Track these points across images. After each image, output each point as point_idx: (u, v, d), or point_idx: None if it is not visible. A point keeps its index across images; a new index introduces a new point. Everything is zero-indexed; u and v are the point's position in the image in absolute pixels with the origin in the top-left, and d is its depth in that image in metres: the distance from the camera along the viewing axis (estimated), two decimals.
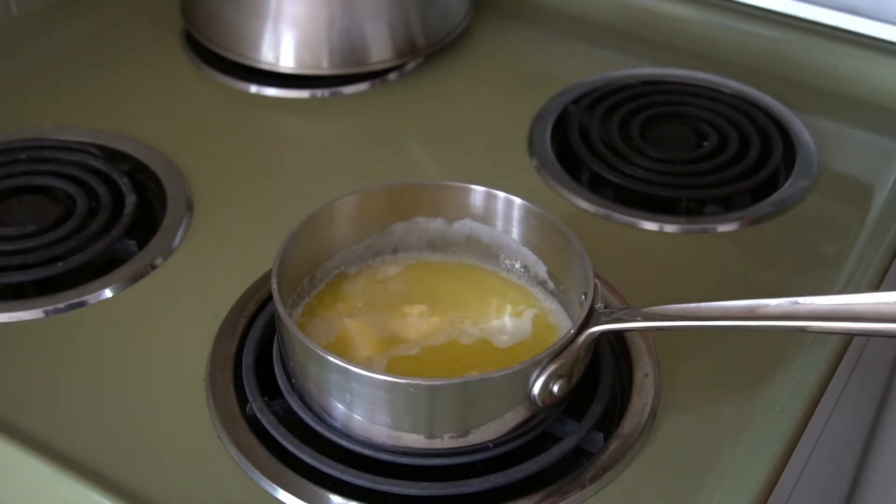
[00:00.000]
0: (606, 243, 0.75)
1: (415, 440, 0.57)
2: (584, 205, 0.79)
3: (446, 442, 0.57)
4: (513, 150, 0.85)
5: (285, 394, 0.61)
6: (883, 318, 0.52)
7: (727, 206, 0.81)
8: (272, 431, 0.60)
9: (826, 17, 0.96)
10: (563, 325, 0.65)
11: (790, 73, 0.94)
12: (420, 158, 0.86)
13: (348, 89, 0.92)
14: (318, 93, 0.92)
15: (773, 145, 0.85)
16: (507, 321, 0.65)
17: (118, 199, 0.78)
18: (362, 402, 0.57)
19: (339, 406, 0.58)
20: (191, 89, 0.93)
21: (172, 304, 0.70)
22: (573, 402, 0.62)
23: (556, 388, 0.57)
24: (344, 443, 0.59)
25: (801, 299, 0.55)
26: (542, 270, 0.67)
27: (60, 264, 0.72)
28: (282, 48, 0.91)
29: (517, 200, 0.66)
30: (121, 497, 0.58)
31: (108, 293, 0.71)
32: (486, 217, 0.68)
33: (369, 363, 0.62)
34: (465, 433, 0.57)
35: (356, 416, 0.57)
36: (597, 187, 0.81)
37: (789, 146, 0.86)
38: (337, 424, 0.59)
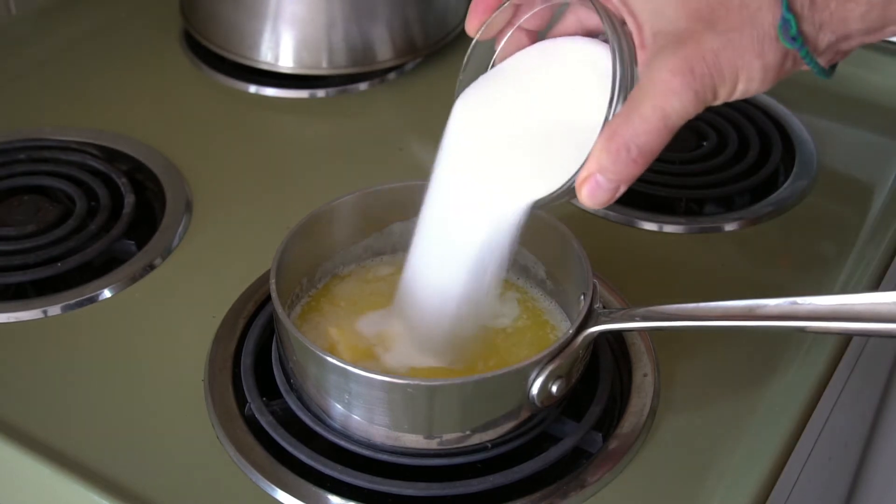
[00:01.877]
0: (606, 243, 0.75)
1: (414, 440, 0.57)
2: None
3: (445, 442, 0.57)
4: None
5: (284, 394, 0.61)
6: (882, 318, 0.52)
7: (727, 206, 0.81)
8: (271, 432, 0.60)
9: None
10: (561, 325, 0.65)
11: None
12: (419, 158, 0.86)
13: (347, 89, 0.92)
14: (318, 93, 0.92)
15: (772, 145, 0.85)
16: (505, 309, 0.65)
17: (117, 199, 0.78)
18: (361, 403, 0.57)
19: (338, 406, 0.58)
20: (190, 89, 0.93)
21: (171, 304, 0.70)
22: (572, 403, 0.62)
23: (554, 389, 0.57)
24: (343, 443, 0.59)
25: (800, 299, 0.55)
26: (540, 270, 0.67)
27: (59, 264, 0.72)
28: (281, 48, 0.91)
29: None
30: (119, 497, 0.58)
31: (107, 293, 0.71)
32: None
33: None
34: (464, 433, 0.57)
35: (355, 417, 0.57)
36: None
37: (789, 146, 0.86)
38: (336, 425, 0.59)
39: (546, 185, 0.54)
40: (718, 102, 0.50)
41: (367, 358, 0.62)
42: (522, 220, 0.56)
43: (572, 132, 0.55)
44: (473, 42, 0.58)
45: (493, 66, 0.59)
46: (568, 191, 0.53)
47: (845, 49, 0.51)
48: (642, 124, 0.49)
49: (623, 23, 0.52)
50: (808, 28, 0.49)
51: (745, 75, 0.50)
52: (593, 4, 0.52)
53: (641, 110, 0.49)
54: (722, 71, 0.49)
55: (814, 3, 0.49)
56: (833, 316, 0.53)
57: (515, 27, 0.58)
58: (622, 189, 0.51)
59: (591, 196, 0.51)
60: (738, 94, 0.50)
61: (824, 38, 0.50)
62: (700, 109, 0.50)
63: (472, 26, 0.57)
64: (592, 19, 0.56)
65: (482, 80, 0.59)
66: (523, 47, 0.58)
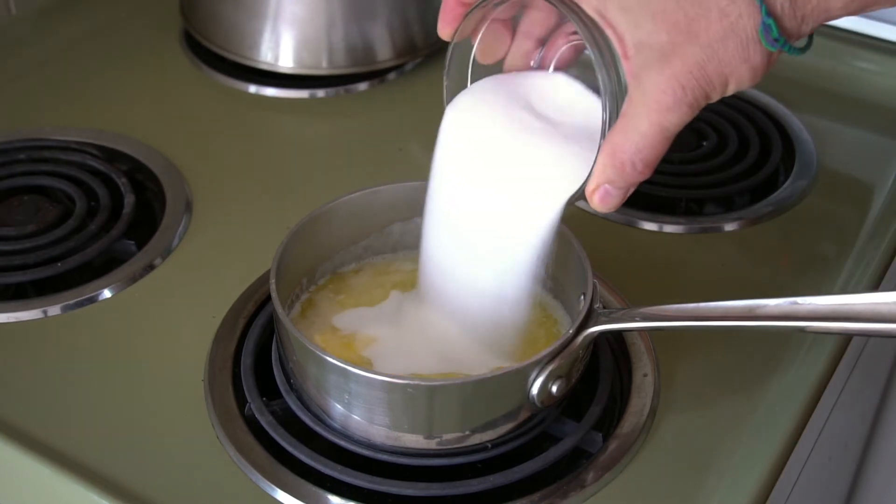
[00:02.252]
0: (606, 243, 0.75)
1: (413, 440, 0.57)
2: (583, 204, 0.78)
3: (445, 442, 0.57)
4: None
5: (284, 394, 0.61)
6: (882, 319, 0.52)
7: (727, 206, 0.81)
8: (271, 432, 0.60)
9: None
10: (562, 324, 0.65)
11: (790, 73, 0.94)
12: (419, 158, 0.86)
13: (347, 89, 0.92)
14: (318, 93, 0.92)
15: (772, 145, 0.85)
16: None
17: (117, 199, 0.78)
18: (361, 403, 0.57)
19: (338, 406, 0.58)
20: (190, 89, 0.93)
21: (171, 304, 0.70)
22: (572, 403, 0.62)
23: (554, 389, 0.57)
24: (343, 443, 0.59)
25: (800, 299, 0.55)
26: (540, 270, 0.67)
27: (59, 264, 0.72)
28: (281, 48, 0.91)
29: None
30: (119, 497, 0.58)
31: (106, 293, 0.71)
32: None
33: None
34: (464, 433, 0.57)
35: (355, 417, 0.57)
36: None
37: (789, 146, 0.86)
38: (336, 425, 0.59)
39: (571, 182, 0.55)
40: (716, 97, 0.51)
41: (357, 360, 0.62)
42: (560, 218, 0.57)
43: (577, 131, 0.56)
44: (451, 46, 0.58)
45: (473, 60, 0.59)
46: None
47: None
48: (642, 140, 0.50)
49: (596, 23, 0.53)
50: (789, 25, 0.50)
51: (735, 78, 0.50)
52: (564, 12, 0.52)
53: (639, 126, 0.50)
54: (711, 81, 0.50)
55: (794, 1, 0.49)
56: (833, 316, 0.53)
57: (489, 21, 0.58)
58: (631, 190, 0.53)
59: (603, 203, 0.53)
60: (730, 93, 0.51)
61: (806, 28, 0.51)
62: (696, 114, 0.51)
63: (446, 31, 0.57)
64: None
65: (472, 89, 0.59)
66: (501, 37, 0.59)
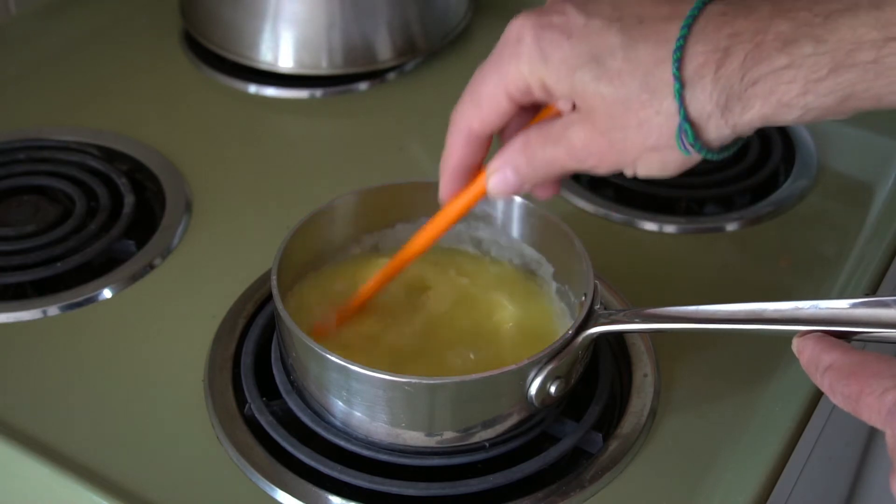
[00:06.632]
0: (606, 243, 0.75)
1: (413, 438, 0.57)
2: (584, 205, 0.79)
3: (444, 441, 0.57)
4: None
5: (284, 394, 0.61)
6: (881, 324, 0.52)
7: (727, 206, 0.81)
8: (271, 432, 0.60)
9: None
10: (563, 324, 0.65)
11: None
12: (419, 158, 0.86)
13: (347, 89, 0.92)
14: (317, 93, 0.92)
15: (772, 145, 0.85)
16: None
17: (117, 199, 0.78)
18: (361, 400, 0.57)
19: (339, 403, 0.58)
20: (190, 89, 0.93)
21: (171, 304, 0.70)
22: (572, 403, 0.62)
23: (553, 389, 0.57)
24: (343, 443, 0.59)
25: (801, 303, 0.55)
26: (541, 270, 0.67)
27: (59, 264, 0.72)
28: (281, 48, 0.91)
29: (517, 200, 0.66)
30: (119, 497, 0.58)
31: (106, 293, 0.71)
32: (486, 216, 0.68)
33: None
34: (462, 432, 0.57)
35: (355, 414, 0.57)
36: (596, 187, 0.81)
37: (789, 146, 0.86)
38: (336, 422, 0.59)
39: None
40: (628, 174, 0.52)
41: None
42: None
43: None
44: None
45: None
46: None
47: None
48: (553, 153, 0.52)
49: None
50: (715, 133, 0.48)
51: (643, 164, 0.51)
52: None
53: (555, 146, 0.52)
54: (618, 158, 0.51)
55: (727, 111, 0.48)
56: (834, 320, 0.53)
57: None
58: (521, 187, 0.54)
59: (498, 185, 0.55)
60: (642, 175, 0.52)
61: (742, 133, 0.49)
62: (594, 173, 0.52)
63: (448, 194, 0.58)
64: None
65: None
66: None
